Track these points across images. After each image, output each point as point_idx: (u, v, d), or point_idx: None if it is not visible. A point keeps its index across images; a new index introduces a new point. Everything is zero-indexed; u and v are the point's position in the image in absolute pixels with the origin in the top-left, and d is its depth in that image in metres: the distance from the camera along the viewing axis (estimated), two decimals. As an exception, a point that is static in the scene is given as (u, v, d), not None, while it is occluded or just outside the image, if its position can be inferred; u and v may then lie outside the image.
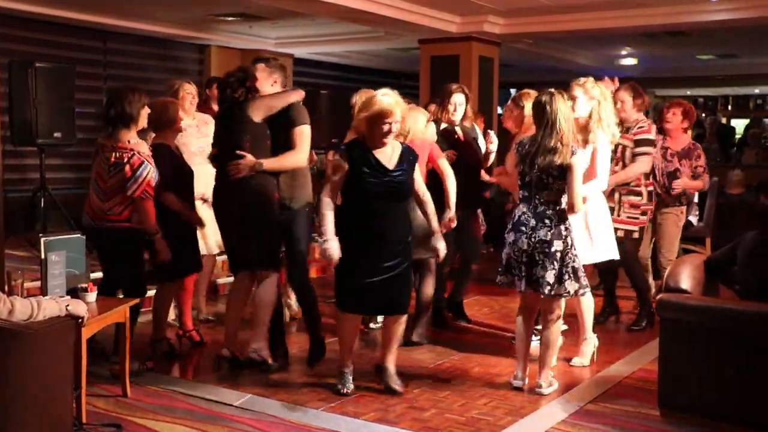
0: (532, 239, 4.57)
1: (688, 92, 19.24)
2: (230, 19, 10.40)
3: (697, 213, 9.15)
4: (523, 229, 4.61)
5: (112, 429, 4.17)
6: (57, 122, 7.53)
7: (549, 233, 4.55)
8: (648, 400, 4.58)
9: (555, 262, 4.55)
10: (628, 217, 6.10)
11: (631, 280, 6.39)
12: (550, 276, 4.54)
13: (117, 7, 9.68)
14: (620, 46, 13.36)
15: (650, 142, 6.08)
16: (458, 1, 9.35)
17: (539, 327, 5.01)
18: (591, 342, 5.37)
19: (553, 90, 4.65)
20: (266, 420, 4.33)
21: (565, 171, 4.53)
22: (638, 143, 6.03)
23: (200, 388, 4.85)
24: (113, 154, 4.87)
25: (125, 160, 4.83)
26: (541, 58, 13.25)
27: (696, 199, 9.09)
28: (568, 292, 4.63)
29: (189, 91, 6.22)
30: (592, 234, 5.26)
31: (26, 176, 9.20)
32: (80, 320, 3.80)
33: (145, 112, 5.00)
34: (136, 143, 4.93)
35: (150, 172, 4.87)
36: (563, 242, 4.57)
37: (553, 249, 4.54)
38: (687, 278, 4.53)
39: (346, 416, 4.39)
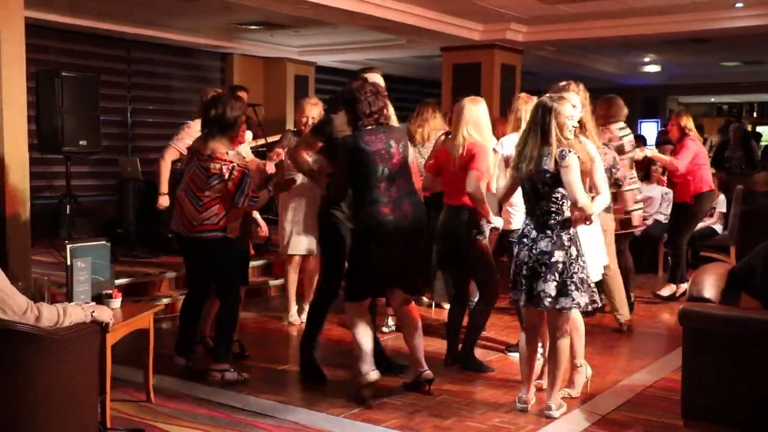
0: (533, 251, 4.40)
1: (713, 99, 19.13)
2: (253, 27, 10.48)
3: (723, 221, 9.11)
4: (525, 240, 4.45)
5: (136, 434, 4.21)
6: (82, 130, 7.61)
7: (550, 243, 4.36)
8: (671, 409, 4.55)
9: (556, 274, 4.34)
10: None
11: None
12: (550, 288, 4.34)
13: (141, 17, 9.79)
14: (644, 53, 13.30)
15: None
16: (481, 9, 9.35)
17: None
18: (584, 372, 4.94)
19: (549, 95, 4.47)
20: (288, 426, 4.35)
21: (556, 177, 4.32)
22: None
23: (223, 394, 4.88)
24: (212, 164, 4.92)
25: (227, 174, 4.89)
26: (564, 65, 13.22)
27: (723, 209, 9.07)
28: (578, 303, 4.39)
29: None
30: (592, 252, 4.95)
31: (52, 183, 9.30)
32: (105, 326, 3.84)
33: (241, 121, 5.09)
34: (233, 155, 5.00)
35: (250, 183, 4.98)
36: (565, 253, 4.36)
37: (553, 260, 4.34)
38: (710, 287, 4.49)
39: (368, 423, 4.40)
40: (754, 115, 18.73)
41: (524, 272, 4.42)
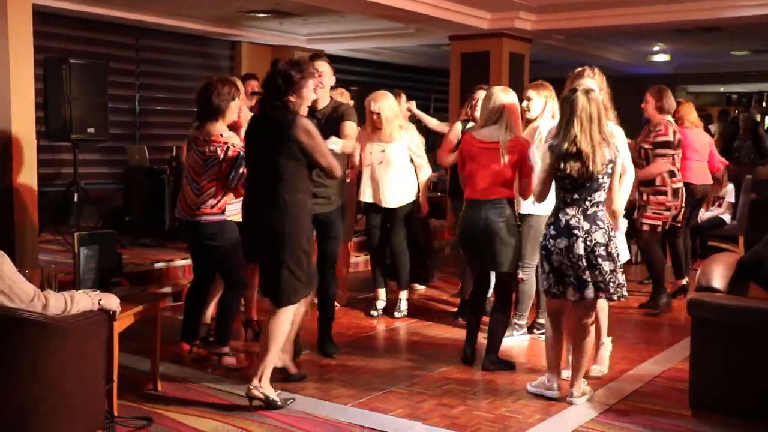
0: (588, 242, 4.32)
1: (722, 89, 19.01)
2: (261, 15, 10.45)
3: (732, 211, 9.08)
4: (577, 233, 4.32)
5: (143, 422, 4.21)
6: (90, 118, 7.63)
7: (604, 235, 4.34)
8: (679, 399, 4.54)
9: (613, 262, 4.38)
10: (654, 213, 6.60)
11: (652, 268, 6.82)
12: (618, 275, 4.39)
13: (150, 4, 9.77)
14: (653, 42, 13.23)
15: (667, 144, 6.47)
16: (490, -3, 9.32)
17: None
18: (607, 347, 5.08)
19: (585, 86, 4.45)
20: (295, 415, 4.35)
21: (614, 166, 4.38)
22: (656, 146, 6.47)
23: (230, 383, 4.89)
24: (207, 147, 4.94)
25: (221, 155, 4.89)
26: (573, 54, 13.15)
27: (732, 198, 9.03)
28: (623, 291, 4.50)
29: None
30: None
31: (60, 171, 9.33)
32: (112, 314, 3.85)
33: (235, 105, 5.07)
34: (229, 136, 5.00)
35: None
36: (613, 242, 4.40)
37: (610, 249, 4.35)
38: (719, 277, 4.49)
39: (375, 412, 4.40)
40: (764, 104, 18.62)
41: (583, 264, 4.33)
